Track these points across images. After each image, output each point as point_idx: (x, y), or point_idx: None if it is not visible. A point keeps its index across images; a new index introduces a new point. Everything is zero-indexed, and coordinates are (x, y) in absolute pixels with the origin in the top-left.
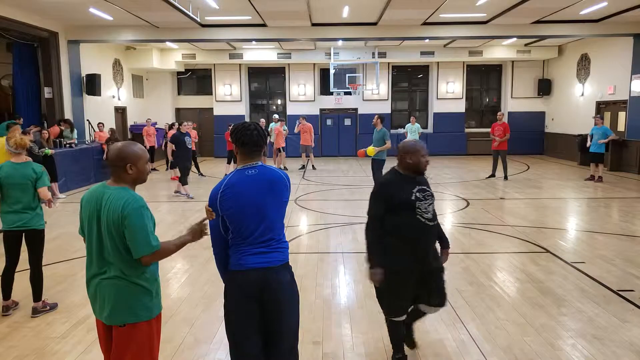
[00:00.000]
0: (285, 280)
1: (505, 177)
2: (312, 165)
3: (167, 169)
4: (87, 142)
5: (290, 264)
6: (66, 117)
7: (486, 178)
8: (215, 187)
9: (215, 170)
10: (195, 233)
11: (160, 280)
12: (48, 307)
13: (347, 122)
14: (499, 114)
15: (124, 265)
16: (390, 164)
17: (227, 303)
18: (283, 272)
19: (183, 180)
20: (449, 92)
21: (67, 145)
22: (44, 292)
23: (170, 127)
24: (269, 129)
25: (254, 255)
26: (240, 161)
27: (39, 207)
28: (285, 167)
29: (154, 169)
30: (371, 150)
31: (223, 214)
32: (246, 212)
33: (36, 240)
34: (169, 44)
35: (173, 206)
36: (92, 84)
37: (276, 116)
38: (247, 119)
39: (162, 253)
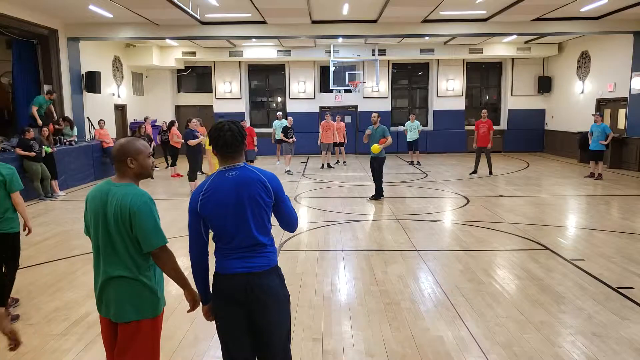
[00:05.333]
0: (272, 284)
1: (490, 173)
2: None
3: (167, 167)
4: (87, 140)
5: (279, 266)
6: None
7: (469, 174)
8: (195, 190)
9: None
10: (195, 302)
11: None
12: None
13: (347, 119)
14: (483, 111)
15: (131, 262)
16: (390, 162)
17: (214, 307)
18: (269, 277)
19: (191, 177)
20: (449, 90)
21: (67, 142)
22: (44, 290)
23: (171, 124)
24: (274, 127)
25: (238, 259)
26: (221, 162)
27: (10, 211)
28: (344, 162)
29: (156, 167)
30: (376, 148)
31: (204, 218)
32: (227, 217)
33: (6, 245)
34: (168, 41)
35: (172, 203)
36: (92, 82)
37: (280, 114)
38: (247, 117)
39: (170, 254)
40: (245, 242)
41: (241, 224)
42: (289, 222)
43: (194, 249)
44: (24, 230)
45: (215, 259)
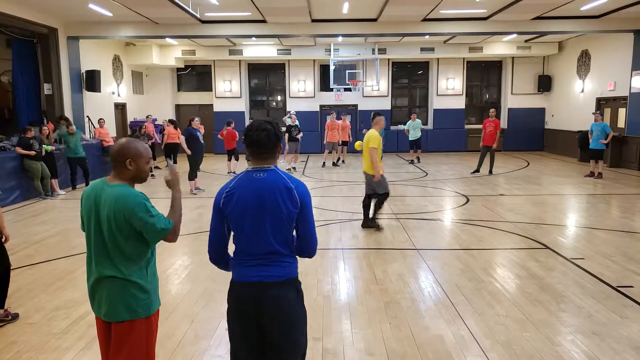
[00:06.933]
0: (286, 296)
1: (490, 172)
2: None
3: (166, 165)
4: (87, 139)
5: (300, 280)
6: (66, 114)
7: (471, 173)
8: (222, 187)
9: (215, 167)
10: (174, 183)
11: (159, 276)
12: (10, 317)
13: (347, 118)
14: (491, 110)
15: (122, 263)
16: (390, 160)
17: (228, 312)
18: (284, 288)
19: (191, 176)
20: (449, 89)
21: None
22: (44, 289)
23: (172, 123)
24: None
25: (253, 267)
26: (252, 162)
27: None
28: (343, 160)
29: (157, 167)
30: (358, 144)
31: (226, 217)
32: (246, 219)
33: None
34: (168, 40)
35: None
36: (91, 80)
37: (292, 112)
38: (247, 116)
39: (176, 225)
40: (262, 249)
41: (258, 228)
42: (310, 241)
43: (213, 251)
44: (2, 238)
45: (233, 265)
